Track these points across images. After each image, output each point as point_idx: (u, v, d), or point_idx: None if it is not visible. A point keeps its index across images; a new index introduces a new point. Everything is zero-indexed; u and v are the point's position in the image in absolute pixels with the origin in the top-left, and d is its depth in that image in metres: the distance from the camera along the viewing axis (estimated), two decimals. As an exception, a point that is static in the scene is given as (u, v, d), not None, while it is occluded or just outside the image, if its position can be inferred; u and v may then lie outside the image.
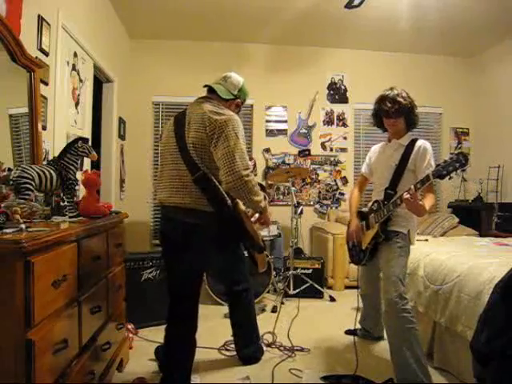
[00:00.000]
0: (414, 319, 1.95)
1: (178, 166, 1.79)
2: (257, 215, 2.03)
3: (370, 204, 2.28)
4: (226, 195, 1.81)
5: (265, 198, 1.88)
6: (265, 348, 2.42)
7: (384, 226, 2.10)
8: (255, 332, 2.34)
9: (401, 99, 2.08)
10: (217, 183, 1.77)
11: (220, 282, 2.43)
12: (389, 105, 2.09)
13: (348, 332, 2.75)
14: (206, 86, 1.99)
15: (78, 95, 2.95)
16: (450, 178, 1.79)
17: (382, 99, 2.15)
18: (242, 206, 1.94)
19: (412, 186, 1.84)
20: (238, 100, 2.03)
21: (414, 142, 2.12)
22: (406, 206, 1.87)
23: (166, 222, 1.93)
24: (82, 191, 2.08)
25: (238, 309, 2.30)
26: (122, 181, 4.33)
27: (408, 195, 1.80)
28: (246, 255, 2.19)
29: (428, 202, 1.93)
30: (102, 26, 3.49)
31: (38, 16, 2.20)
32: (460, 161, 1.72)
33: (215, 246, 1.86)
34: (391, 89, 2.16)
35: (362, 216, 2.33)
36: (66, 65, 2.66)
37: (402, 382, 1.90)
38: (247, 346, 2.28)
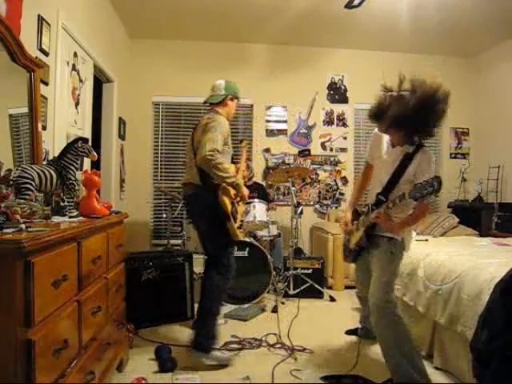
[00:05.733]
0: (403, 320, 1.91)
1: (190, 155, 2.39)
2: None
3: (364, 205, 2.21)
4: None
5: (234, 176, 2.27)
6: (265, 349, 2.42)
7: (371, 231, 2.05)
8: (210, 321, 2.25)
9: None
10: None
11: (203, 248, 2.51)
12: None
13: (348, 332, 2.74)
14: (204, 102, 2.48)
15: (78, 95, 2.95)
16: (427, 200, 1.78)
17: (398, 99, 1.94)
18: (226, 187, 2.29)
19: (384, 205, 1.86)
20: (229, 96, 2.43)
21: (417, 150, 1.97)
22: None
23: (183, 196, 2.65)
24: (82, 191, 2.08)
25: (203, 285, 2.34)
26: (122, 181, 4.33)
27: (376, 216, 1.86)
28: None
29: (413, 216, 1.92)
30: (102, 25, 3.49)
31: (38, 16, 2.20)
32: (433, 185, 1.60)
33: (206, 213, 2.30)
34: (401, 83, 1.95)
35: (357, 215, 2.23)
36: (65, 65, 2.66)
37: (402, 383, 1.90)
38: (198, 332, 2.21)
